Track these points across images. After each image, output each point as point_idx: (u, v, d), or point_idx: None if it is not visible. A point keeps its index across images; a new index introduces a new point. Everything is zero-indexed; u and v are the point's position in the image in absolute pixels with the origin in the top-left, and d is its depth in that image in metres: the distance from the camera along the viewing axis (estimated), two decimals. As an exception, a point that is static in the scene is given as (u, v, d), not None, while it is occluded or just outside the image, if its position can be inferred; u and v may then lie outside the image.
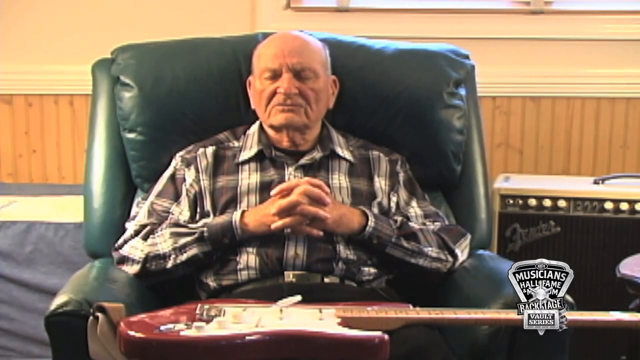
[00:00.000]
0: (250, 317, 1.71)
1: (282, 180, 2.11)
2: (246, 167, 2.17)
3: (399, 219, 2.11)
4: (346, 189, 2.15)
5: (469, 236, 2.20)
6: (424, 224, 2.16)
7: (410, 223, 2.12)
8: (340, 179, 2.17)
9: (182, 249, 2.03)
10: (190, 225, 2.07)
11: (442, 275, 2.12)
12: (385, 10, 3.06)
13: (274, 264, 2.03)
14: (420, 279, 2.13)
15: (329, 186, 2.09)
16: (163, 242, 2.05)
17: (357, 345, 1.65)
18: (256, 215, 2.03)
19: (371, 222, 2.04)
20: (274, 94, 2.14)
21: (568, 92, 3.01)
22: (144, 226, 2.10)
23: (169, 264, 2.04)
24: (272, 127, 2.18)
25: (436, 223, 2.17)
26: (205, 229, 2.04)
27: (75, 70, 2.79)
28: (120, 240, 2.12)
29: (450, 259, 2.12)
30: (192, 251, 2.03)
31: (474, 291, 2.01)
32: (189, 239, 2.03)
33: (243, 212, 2.04)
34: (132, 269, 2.07)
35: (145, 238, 2.07)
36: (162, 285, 2.08)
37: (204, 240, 2.03)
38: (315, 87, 2.15)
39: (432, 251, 2.09)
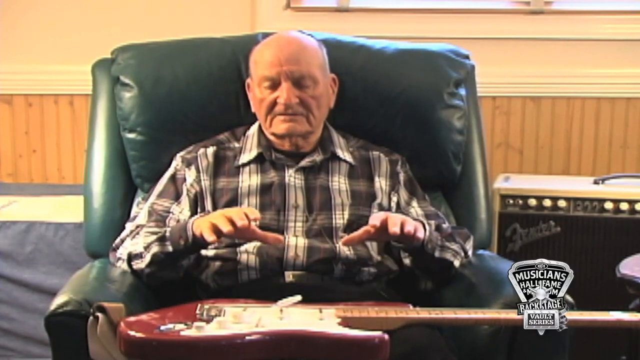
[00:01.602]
0: (250, 317, 1.71)
1: (282, 182, 2.12)
2: (246, 169, 2.16)
3: (432, 222, 2.10)
4: (346, 191, 2.15)
5: (472, 237, 2.21)
6: (425, 223, 2.16)
7: (443, 225, 2.11)
8: (340, 181, 2.16)
9: (147, 247, 1.99)
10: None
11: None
12: (385, 10, 3.06)
13: (274, 264, 2.02)
14: (429, 277, 2.12)
15: (328, 189, 2.10)
16: (140, 241, 2.02)
17: (357, 345, 1.65)
18: (204, 219, 1.93)
19: (427, 226, 2.02)
20: (274, 103, 2.12)
21: (568, 92, 3.01)
22: (140, 227, 2.09)
23: (143, 264, 2.00)
24: (274, 135, 2.16)
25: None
26: (169, 228, 2.01)
27: (75, 70, 2.79)
28: (117, 240, 2.11)
29: (465, 260, 2.12)
30: (154, 249, 1.98)
31: (474, 291, 2.01)
32: (154, 237, 1.99)
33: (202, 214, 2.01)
34: (123, 267, 2.05)
35: (134, 238, 2.06)
36: (162, 286, 2.08)
37: (165, 239, 1.98)
38: (315, 94, 2.12)
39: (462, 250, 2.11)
